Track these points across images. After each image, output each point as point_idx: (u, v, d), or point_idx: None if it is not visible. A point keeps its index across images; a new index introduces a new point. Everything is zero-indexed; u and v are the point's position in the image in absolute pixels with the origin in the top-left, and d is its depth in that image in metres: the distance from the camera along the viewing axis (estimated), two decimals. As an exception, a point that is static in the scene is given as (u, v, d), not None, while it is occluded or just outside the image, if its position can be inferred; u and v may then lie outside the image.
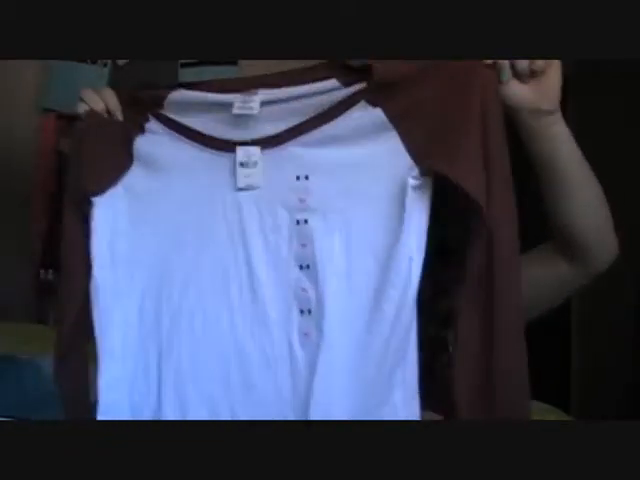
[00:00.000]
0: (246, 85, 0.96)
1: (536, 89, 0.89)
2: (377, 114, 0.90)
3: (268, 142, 0.94)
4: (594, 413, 3.39)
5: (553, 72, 0.89)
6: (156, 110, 1.02)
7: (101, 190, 0.99)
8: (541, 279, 0.97)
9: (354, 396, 0.89)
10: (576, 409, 3.49)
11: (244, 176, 0.93)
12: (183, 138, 0.99)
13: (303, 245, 0.92)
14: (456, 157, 0.85)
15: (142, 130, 1.03)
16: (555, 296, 1.02)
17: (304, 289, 0.92)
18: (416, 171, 0.88)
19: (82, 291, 0.99)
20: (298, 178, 0.93)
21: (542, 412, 1.99)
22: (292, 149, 0.93)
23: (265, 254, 0.93)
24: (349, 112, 0.91)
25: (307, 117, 0.93)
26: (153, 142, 1.01)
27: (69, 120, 3.09)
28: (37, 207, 2.97)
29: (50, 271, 3.01)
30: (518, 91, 0.88)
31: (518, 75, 0.87)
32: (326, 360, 0.90)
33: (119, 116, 1.06)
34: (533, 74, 0.88)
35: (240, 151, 0.94)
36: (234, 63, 3.26)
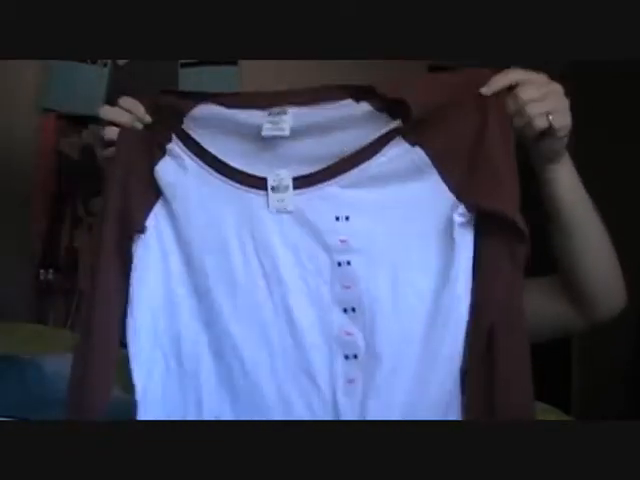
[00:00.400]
0: (274, 101, 0.92)
1: (543, 137, 0.86)
2: (417, 153, 0.86)
3: (302, 183, 0.89)
4: (594, 413, 3.39)
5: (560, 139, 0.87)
6: (177, 125, 0.94)
7: (141, 227, 0.93)
8: (541, 312, 0.95)
9: None
10: (576, 409, 3.50)
11: (277, 200, 0.88)
12: (207, 168, 0.93)
13: (346, 287, 0.88)
14: (500, 193, 0.83)
15: (163, 152, 0.95)
16: (552, 331, 0.98)
17: (349, 333, 0.88)
18: (461, 208, 0.85)
19: (116, 331, 0.96)
20: (338, 219, 0.88)
21: (542, 412, 1.99)
22: (329, 189, 0.88)
23: (305, 298, 0.88)
24: (386, 150, 0.87)
25: (340, 146, 0.88)
26: (175, 170, 0.93)
27: (69, 120, 3.12)
28: (37, 207, 2.98)
29: (50, 271, 3.01)
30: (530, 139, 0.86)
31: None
32: (376, 407, 0.87)
33: (148, 124, 0.96)
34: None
35: (270, 176, 0.89)
36: (234, 63, 3.27)
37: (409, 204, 0.88)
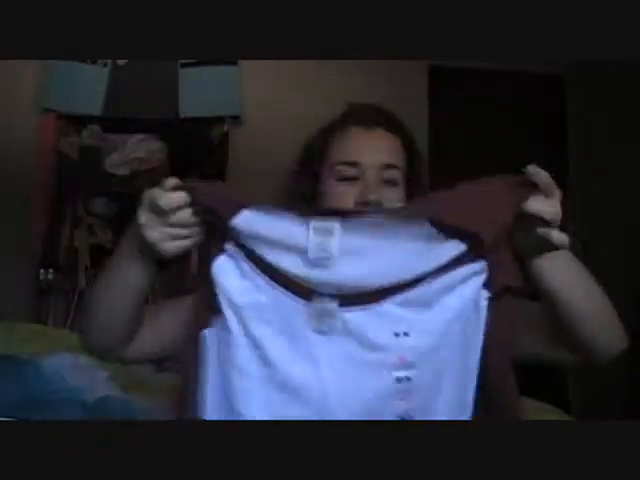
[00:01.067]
0: (322, 213, 0.85)
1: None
2: (479, 266, 0.86)
3: (354, 301, 0.86)
4: (594, 413, 3.39)
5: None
6: (228, 228, 0.89)
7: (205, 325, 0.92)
8: (539, 346, 0.96)
9: None
10: (576, 409, 3.50)
11: (324, 324, 0.86)
12: (260, 273, 0.89)
13: (402, 399, 0.87)
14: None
15: (221, 250, 0.93)
16: (547, 361, 1.00)
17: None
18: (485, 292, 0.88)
19: None
20: (397, 335, 0.86)
21: (542, 412, 2.00)
22: (386, 306, 0.86)
23: (364, 416, 0.87)
24: (451, 271, 0.85)
25: (392, 261, 0.85)
26: (231, 271, 0.91)
27: (69, 120, 3.12)
28: (37, 207, 2.98)
29: (50, 271, 3.02)
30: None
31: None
32: None
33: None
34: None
35: (316, 299, 0.85)
36: (234, 63, 3.27)
37: (461, 313, 0.88)
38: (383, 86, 3.41)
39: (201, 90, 3.10)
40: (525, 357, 0.95)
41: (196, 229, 0.89)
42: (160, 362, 2.79)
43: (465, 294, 0.86)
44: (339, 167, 1.05)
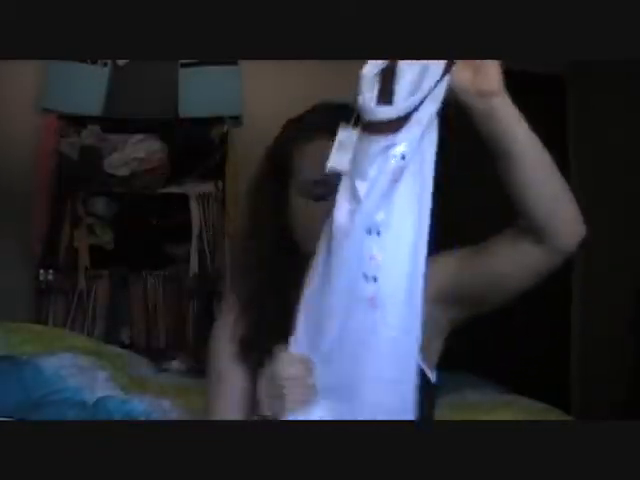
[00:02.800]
0: None
1: (476, 73, 0.88)
2: None
3: None
4: (594, 413, 3.40)
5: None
6: None
7: None
8: (506, 261, 0.98)
9: None
10: (576, 409, 3.50)
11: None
12: None
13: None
14: None
15: None
16: (523, 277, 1.00)
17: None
18: None
19: None
20: None
21: (542, 412, 2.00)
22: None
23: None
24: None
25: None
26: None
27: (69, 120, 3.12)
28: (37, 207, 2.98)
29: (50, 271, 3.01)
30: (463, 77, 0.88)
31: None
32: None
33: None
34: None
35: None
36: (234, 63, 3.27)
37: None
38: (383, 86, 3.40)
39: (201, 90, 3.10)
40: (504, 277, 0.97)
41: None
42: (160, 362, 2.80)
43: None
44: (309, 185, 1.01)
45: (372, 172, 0.82)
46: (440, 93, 0.82)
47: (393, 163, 0.81)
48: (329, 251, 0.86)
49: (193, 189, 3.07)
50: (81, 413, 1.71)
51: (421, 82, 0.82)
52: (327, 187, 0.96)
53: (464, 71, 0.87)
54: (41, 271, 2.97)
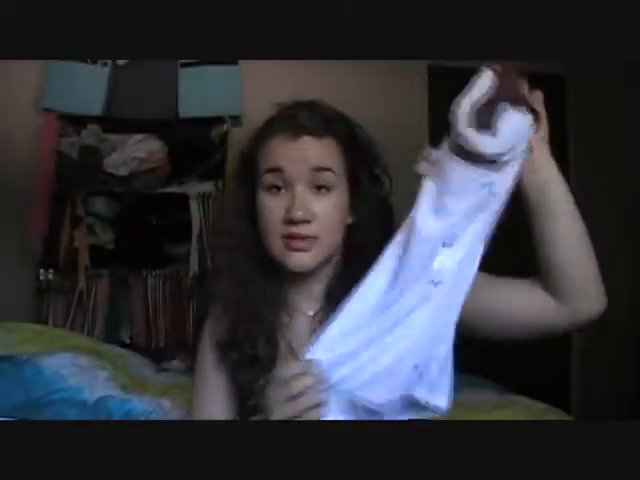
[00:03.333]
0: None
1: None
2: None
3: None
4: (594, 413, 3.39)
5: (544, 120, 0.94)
6: None
7: None
8: (518, 310, 0.97)
9: None
10: (576, 409, 3.50)
11: None
12: None
13: None
14: None
15: None
16: (528, 331, 0.99)
17: None
18: None
19: None
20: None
21: (542, 412, 2.00)
22: None
23: None
24: None
25: None
26: None
27: (69, 120, 3.11)
28: (37, 207, 2.97)
29: (50, 271, 3.01)
30: None
31: None
32: None
33: None
34: None
35: None
36: (234, 63, 3.27)
37: None
38: (383, 86, 3.41)
39: (201, 90, 3.10)
40: (503, 319, 0.97)
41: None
42: (160, 362, 2.80)
43: None
44: (265, 176, 1.01)
45: (466, 198, 0.89)
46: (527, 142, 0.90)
47: (485, 196, 0.89)
48: (405, 251, 0.91)
49: (193, 189, 3.07)
50: (81, 413, 1.71)
51: (522, 128, 0.88)
52: (278, 177, 1.00)
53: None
54: (41, 271, 2.97)
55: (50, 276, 2.98)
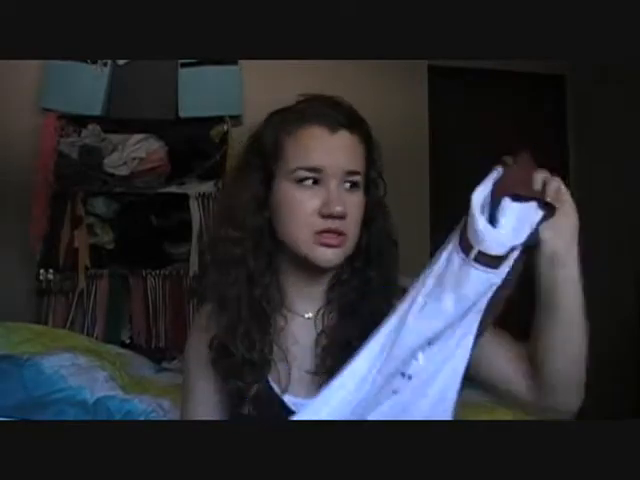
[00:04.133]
0: None
1: (553, 230, 0.86)
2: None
3: None
4: (595, 413, 3.39)
5: (568, 210, 0.87)
6: None
7: None
8: (497, 380, 0.96)
9: None
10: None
11: None
12: None
13: None
14: None
15: None
16: (500, 392, 0.99)
17: None
18: None
19: None
20: None
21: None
22: None
23: None
24: None
25: None
26: None
27: (69, 120, 3.11)
28: (37, 207, 2.97)
29: (50, 271, 3.01)
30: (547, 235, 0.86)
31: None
32: None
33: None
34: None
35: None
36: (234, 63, 3.27)
37: None
38: (383, 86, 3.41)
39: (201, 90, 3.10)
40: (481, 379, 0.96)
41: None
42: (160, 362, 2.80)
43: None
44: (299, 172, 0.97)
45: (471, 294, 0.86)
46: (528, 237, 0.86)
47: (490, 292, 0.86)
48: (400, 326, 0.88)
49: (193, 189, 3.07)
50: (81, 413, 1.71)
51: (523, 222, 0.85)
52: (314, 171, 0.96)
53: (547, 230, 0.86)
54: (41, 271, 2.97)
55: (50, 276, 2.98)
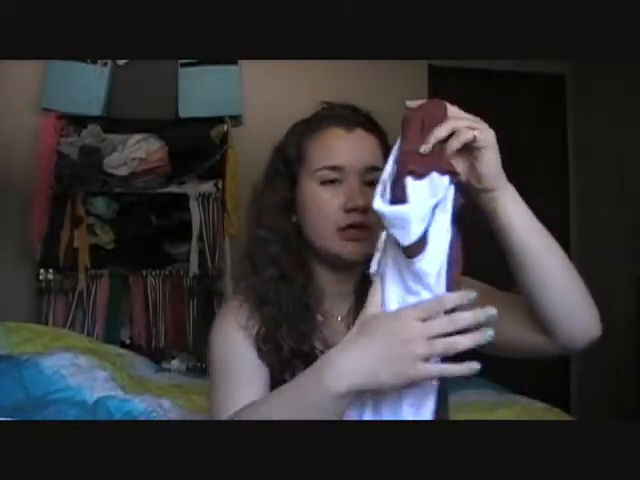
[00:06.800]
0: None
1: (472, 167, 0.84)
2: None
3: None
4: (594, 413, 3.40)
5: (489, 152, 0.83)
6: None
7: None
8: (510, 333, 0.95)
9: None
10: (576, 409, 3.50)
11: None
12: None
13: None
14: None
15: None
16: (519, 352, 1.00)
17: None
18: None
19: None
20: None
21: (542, 412, 2.00)
22: None
23: None
24: None
25: None
26: None
27: (69, 120, 3.12)
28: (37, 207, 2.98)
29: (50, 271, 3.02)
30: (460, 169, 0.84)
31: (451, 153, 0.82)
32: None
33: None
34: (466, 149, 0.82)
35: None
36: (234, 63, 3.27)
37: None
38: (383, 86, 3.41)
39: (201, 90, 3.10)
40: (506, 345, 0.96)
41: None
42: (160, 362, 2.80)
43: None
44: (321, 172, 1.03)
45: (413, 285, 0.83)
46: (449, 202, 0.82)
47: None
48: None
49: (193, 189, 3.07)
50: (81, 413, 1.71)
51: (430, 193, 0.82)
52: (336, 171, 1.02)
53: (462, 173, 0.84)
54: (41, 271, 2.98)
55: (50, 276, 2.98)
